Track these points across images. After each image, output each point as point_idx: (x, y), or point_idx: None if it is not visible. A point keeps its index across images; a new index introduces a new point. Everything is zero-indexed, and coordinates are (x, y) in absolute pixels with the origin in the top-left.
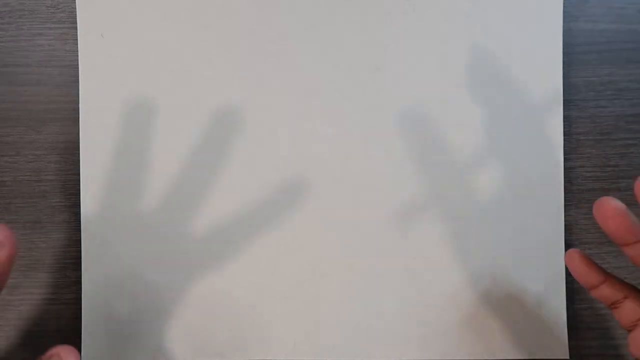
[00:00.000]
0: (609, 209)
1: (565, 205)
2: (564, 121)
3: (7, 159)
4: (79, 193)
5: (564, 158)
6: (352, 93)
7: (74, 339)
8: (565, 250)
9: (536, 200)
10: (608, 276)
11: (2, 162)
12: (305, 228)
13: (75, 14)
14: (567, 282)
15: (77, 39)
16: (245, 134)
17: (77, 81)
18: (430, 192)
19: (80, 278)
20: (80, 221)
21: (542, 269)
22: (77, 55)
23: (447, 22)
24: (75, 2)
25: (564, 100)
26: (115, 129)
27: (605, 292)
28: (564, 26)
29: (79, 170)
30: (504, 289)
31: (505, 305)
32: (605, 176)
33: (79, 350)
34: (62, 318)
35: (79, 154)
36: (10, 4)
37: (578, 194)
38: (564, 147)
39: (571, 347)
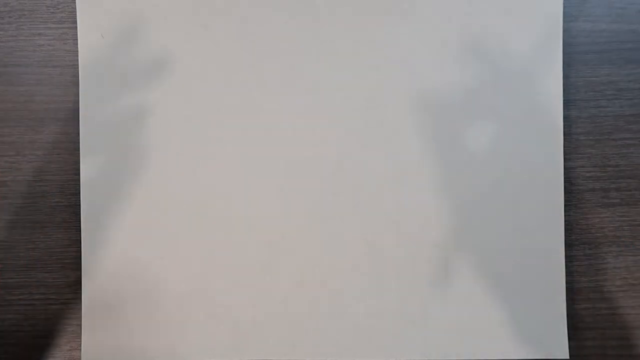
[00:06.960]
0: None
1: (565, 205)
2: (564, 121)
3: (7, 159)
4: (79, 193)
5: (564, 158)
6: (351, 93)
7: (73, 339)
8: (566, 250)
9: (536, 200)
10: None
11: (2, 162)
12: (305, 228)
13: (75, 14)
14: (567, 282)
15: (77, 39)
16: (245, 133)
17: (77, 81)
18: (429, 193)
19: (80, 278)
20: (80, 221)
21: (542, 268)
22: (77, 55)
23: (447, 22)
24: (75, 2)
25: (564, 100)
26: (115, 129)
27: None
28: (564, 26)
29: (79, 170)
30: (504, 289)
31: (505, 305)
32: (605, 176)
33: (79, 349)
34: (62, 318)
35: (79, 154)
36: (10, 4)
37: (578, 194)
38: (564, 147)
39: (571, 347)
